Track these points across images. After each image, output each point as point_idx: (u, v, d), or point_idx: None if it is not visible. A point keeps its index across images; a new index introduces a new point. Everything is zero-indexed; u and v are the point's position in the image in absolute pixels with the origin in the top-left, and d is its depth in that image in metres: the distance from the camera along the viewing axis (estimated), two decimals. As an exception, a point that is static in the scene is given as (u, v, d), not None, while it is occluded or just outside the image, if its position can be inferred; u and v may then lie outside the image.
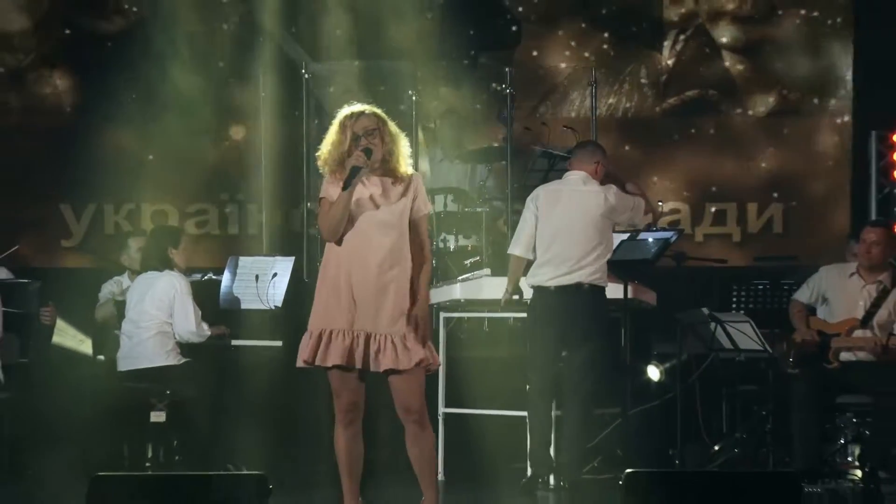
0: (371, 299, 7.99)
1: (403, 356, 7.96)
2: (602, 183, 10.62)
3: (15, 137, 14.89)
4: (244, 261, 11.73)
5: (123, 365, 11.13)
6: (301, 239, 13.24)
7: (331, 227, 8.07)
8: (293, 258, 11.75)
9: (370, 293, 7.99)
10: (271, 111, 13.79)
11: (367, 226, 8.05)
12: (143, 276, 11.28)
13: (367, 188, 8.07)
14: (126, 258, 12.19)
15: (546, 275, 10.44)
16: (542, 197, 10.67)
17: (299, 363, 8.25)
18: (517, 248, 10.64)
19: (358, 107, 8.23)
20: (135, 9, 15.04)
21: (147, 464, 11.13)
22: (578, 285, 10.35)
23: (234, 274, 11.65)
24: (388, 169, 8.13)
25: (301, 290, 11.52)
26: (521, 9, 15.07)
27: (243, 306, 11.48)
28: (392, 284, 8.01)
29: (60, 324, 12.40)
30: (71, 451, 11.49)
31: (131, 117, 14.73)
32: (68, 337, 12.60)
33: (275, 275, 11.40)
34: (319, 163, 8.22)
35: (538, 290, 10.49)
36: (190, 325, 10.96)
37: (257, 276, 11.43)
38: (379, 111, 8.22)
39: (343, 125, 8.14)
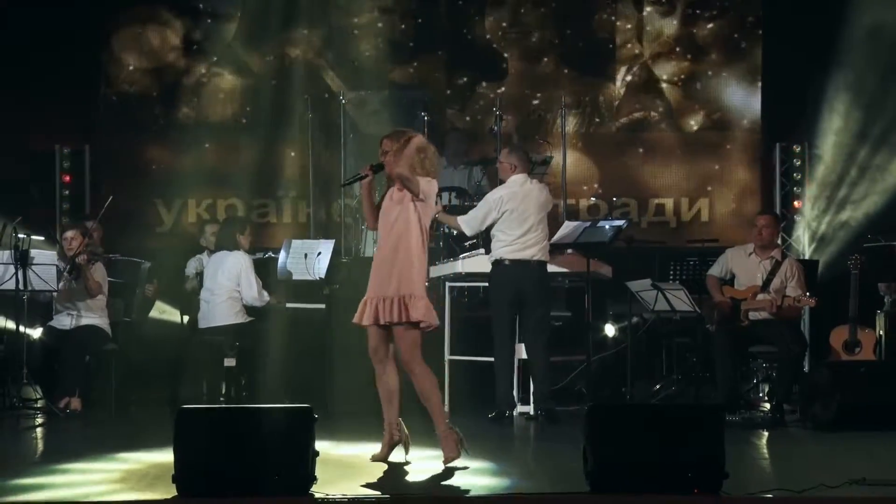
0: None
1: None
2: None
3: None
4: (295, 243, 11.68)
5: (202, 323, 11.11)
6: (339, 226, 13.22)
7: (366, 218, 8.53)
8: (333, 241, 11.69)
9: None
10: (317, 128, 13.74)
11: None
12: (217, 254, 11.26)
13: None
14: (204, 240, 12.16)
15: (505, 251, 10.41)
16: (506, 195, 10.61)
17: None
18: (468, 227, 10.69)
19: (387, 132, 8.53)
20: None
21: (221, 399, 11.09)
22: (526, 260, 10.35)
23: (287, 252, 11.59)
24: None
25: (339, 265, 11.48)
26: (507, 51, 15.00)
27: (294, 278, 11.43)
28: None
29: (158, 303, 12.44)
30: (162, 390, 11.45)
31: (213, 134, 14.69)
32: (162, 311, 12.65)
33: (319, 253, 11.34)
34: None
35: (495, 263, 10.48)
36: (253, 292, 10.94)
37: (306, 255, 11.38)
38: (396, 136, 8.34)
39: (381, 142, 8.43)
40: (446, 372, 11.02)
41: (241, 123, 14.78)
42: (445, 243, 12.34)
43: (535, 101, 14.95)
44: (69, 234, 11.15)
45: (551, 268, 10.71)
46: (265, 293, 11.06)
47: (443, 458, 8.17)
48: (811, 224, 14.28)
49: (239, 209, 14.67)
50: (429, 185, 8.27)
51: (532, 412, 10.46)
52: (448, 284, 11.27)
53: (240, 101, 14.94)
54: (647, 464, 6.79)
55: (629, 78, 14.94)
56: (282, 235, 13.18)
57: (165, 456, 7.35)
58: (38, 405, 11.08)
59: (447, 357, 11.07)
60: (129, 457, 8.42)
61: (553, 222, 10.96)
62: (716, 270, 11.08)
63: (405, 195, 8.23)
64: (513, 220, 10.39)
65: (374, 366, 8.45)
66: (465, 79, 14.98)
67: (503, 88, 14.84)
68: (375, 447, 8.55)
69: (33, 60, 13.58)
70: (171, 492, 6.80)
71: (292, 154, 14.63)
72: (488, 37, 15.03)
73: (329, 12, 14.76)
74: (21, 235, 10.73)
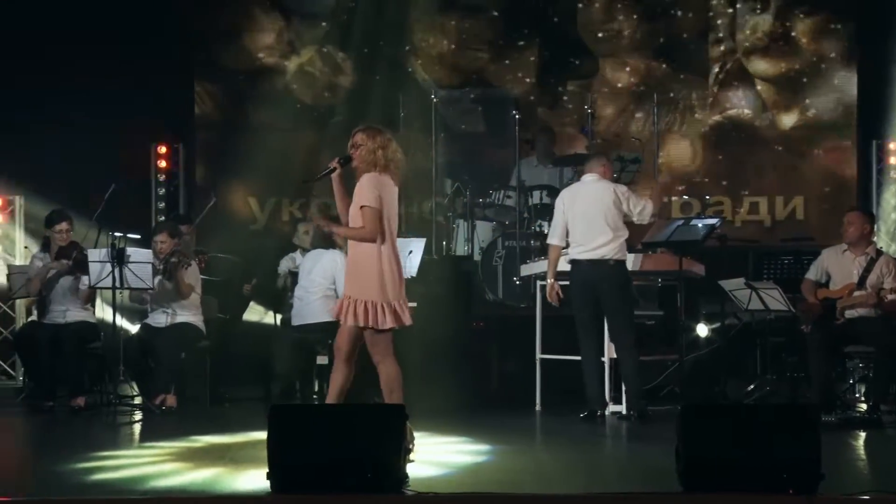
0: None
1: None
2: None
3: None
4: (387, 241, 11.69)
5: (296, 321, 11.17)
6: (430, 224, 13.26)
7: (340, 213, 8.45)
8: (424, 239, 11.71)
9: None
10: (409, 126, 13.76)
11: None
12: (311, 252, 11.31)
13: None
14: (296, 239, 12.24)
15: (577, 251, 10.36)
16: (567, 196, 10.60)
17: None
18: (553, 239, 10.56)
19: (359, 126, 8.43)
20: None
21: (314, 396, 11.16)
22: (603, 259, 10.26)
23: (379, 251, 11.61)
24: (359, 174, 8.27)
25: (430, 264, 11.50)
26: (600, 47, 14.95)
27: (387, 276, 11.44)
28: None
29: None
30: (256, 388, 11.54)
31: (305, 133, 14.79)
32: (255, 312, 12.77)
33: (410, 252, 11.34)
34: None
35: (573, 262, 10.40)
36: (346, 290, 10.95)
37: (398, 253, 11.39)
38: (368, 132, 8.29)
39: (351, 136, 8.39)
40: (538, 371, 11.01)
41: (333, 122, 14.84)
42: (537, 242, 12.37)
43: (627, 99, 14.89)
44: (158, 237, 11.27)
45: (644, 267, 10.66)
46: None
47: None
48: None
49: (332, 208, 14.72)
50: (382, 189, 8.20)
51: (624, 411, 10.42)
52: (539, 283, 11.25)
53: (332, 101, 15.02)
54: (740, 464, 6.73)
55: (722, 75, 14.83)
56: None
57: (259, 453, 7.40)
58: (135, 402, 11.22)
59: (538, 356, 11.05)
60: (223, 453, 8.50)
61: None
62: (812, 274, 10.96)
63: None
64: (579, 220, 10.36)
65: (337, 364, 8.36)
66: (556, 77, 14.95)
67: (595, 86, 14.79)
68: (465, 445, 8.55)
69: (129, 61, 13.73)
70: (265, 488, 6.85)
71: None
72: (580, 34, 14.98)
73: (420, 10, 14.78)
74: (117, 234, 10.85)
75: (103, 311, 11.76)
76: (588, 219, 10.32)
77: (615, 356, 10.48)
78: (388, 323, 8.21)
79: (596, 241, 10.26)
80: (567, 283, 10.66)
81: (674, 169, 14.66)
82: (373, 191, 8.15)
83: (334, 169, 8.32)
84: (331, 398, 8.25)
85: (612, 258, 10.27)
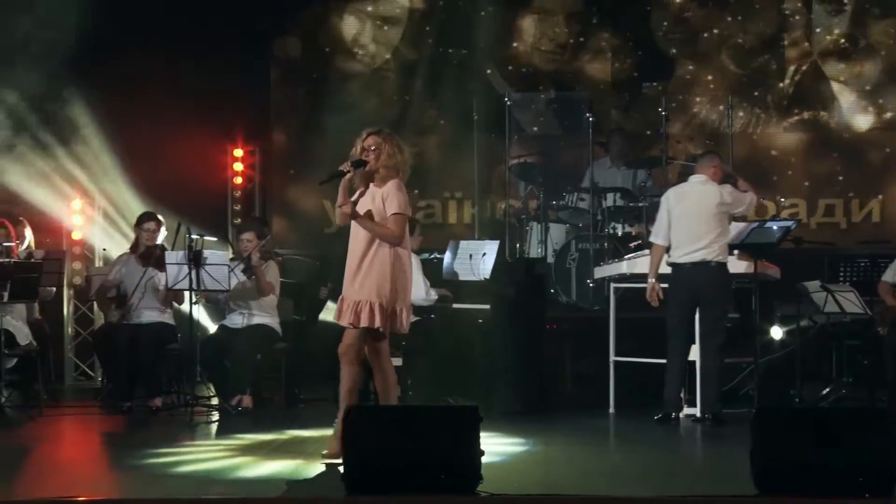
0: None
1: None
2: (720, 183, 10.51)
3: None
4: (461, 243, 11.73)
5: (370, 322, 11.18)
6: (503, 227, 13.27)
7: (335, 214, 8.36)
8: (498, 241, 11.71)
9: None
10: (482, 129, 13.78)
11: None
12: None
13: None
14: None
15: (678, 254, 10.33)
16: (672, 196, 10.58)
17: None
18: (657, 238, 10.54)
19: (370, 128, 8.32)
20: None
21: (388, 397, 11.20)
22: (705, 262, 10.23)
23: (453, 254, 11.66)
24: (378, 179, 8.22)
25: (505, 266, 11.50)
26: (674, 50, 14.90)
27: (460, 278, 11.49)
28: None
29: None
30: (331, 389, 11.59)
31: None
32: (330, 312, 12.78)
33: (484, 254, 11.37)
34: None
35: (674, 266, 10.38)
36: (421, 292, 10.96)
37: (471, 255, 11.42)
38: (383, 136, 8.25)
39: (361, 137, 8.28)
40: (611, 373, 11.00)
41: (407, 124, 14.87)
42: (610, 244, 12.36)
43: (699, 100, 14.83)
44: (245, 235, 11.40)
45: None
46: (433, 292, 11.11)
47: (325, 452, 8.19)
48: None
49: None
50: (404, 196, 8.24)
51: (698, 414, 10.38)
52: (612, 285, 11.24)
53: (405, 102, 15.05)
54: (815, 467, 6.69)
55: (798, 76, 14.73)
56: (447, 236, 13.24)
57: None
58: (211, 402, 11.33)
59: (612, 358, 11.04)
60: (299, 454, 8.57)
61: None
62: (889, 276, 10.91)
63: (380, 203, 8.19)
64: (682, 221, 10.35)
65: (343, 367, 8.36)
66: (630, 78, 14.91)
67: (669, 88, 14.74)
68: (538, 446, 8.56)
69: (206, 61, 13.83)
70: (340, 489, 6.90)
71: (458, 155, 14.68)
72: (654, 36, 14.94)
73: (492, 13, 14.78)
74: (195, 236, 10.97)
75: (199, 312, 11.92)
76: (691, 220, 10.33)
77: (696, 359, 10.45)
78: (405, 327, 8.34)
79: (697, 243, 10.27)
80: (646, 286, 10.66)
81: (748, 171, 14.56)
82: (403, 197, 8.19)
83: (346, 172, 8.23)
84: (344, 402, 8.25)
85: (713, 260, 10.26)
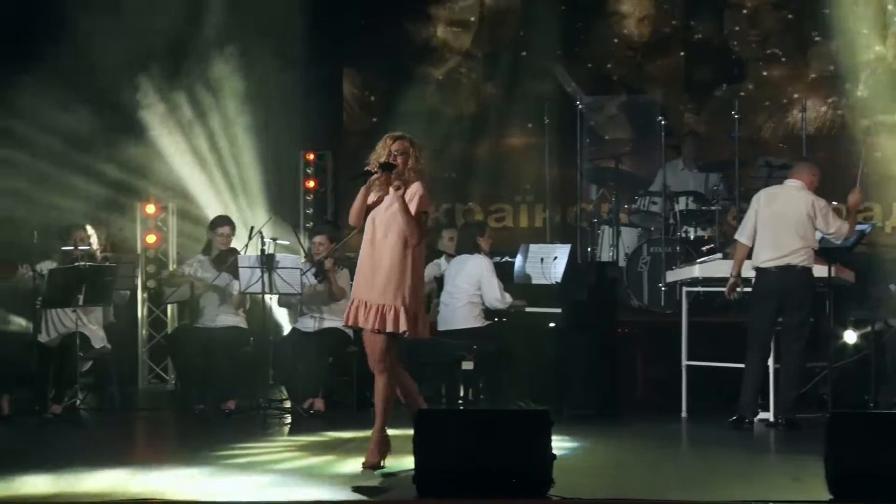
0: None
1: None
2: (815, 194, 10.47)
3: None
4: (532, 247, 11.74)
5: (441, 326, 11.21)
6: (575, 230, 13.25)
7: (351, 214, 8.33)
8: (570, 245, 11.71)
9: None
10: (553, 133, 13.77)
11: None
12: (457, 258, 11.36)
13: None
14: (441, 245, 12.32)
15: (764, 257, 10.28)
16: (763, 197, 10.52)
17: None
18: (742, 237, 10.49)
19: (395, 134, 8.34)
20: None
21: (459, 401, 11.22)
22: (790, 266, 10.18)
23: (525, 257, 11.66)
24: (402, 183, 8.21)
25: (577, 270, 11.48)
26: (746, 53, 14.83)
27: (532, 282, 11.49)
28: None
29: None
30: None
31: (452, 139, 14.84)
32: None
33: (555, 258, 11.37)
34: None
35: (760, 270, 10.33)
36: (496, 294, 10.98)
37: (542, 259, 11.42)
38: (409, 141, 8.28)
39: (385, 142, 8.29)
40: (683, 377, 10.95)
41: (478, 127, 14.89)
42: (682, 248, 12.32)
43: (769, 103, 14.73)
44: (318, 238, 11.47)
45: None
46: (507, 295, 11.11)
47: (364, 462, 8.19)
48: None
49: (476, 214, 14.84)
50: (428, 197, 8.30)
51: (772, 418, 10.31)
52: (685, 289, 11.19)
53: (477, 106, 15.08)
54: (890, 472, 6.64)
55: (872, 80, 14.59)
56: (518, 240, 13.24)
57: (406, 458, 7.48)
58: (284, 405, 11.39)
59: (685, 362, 10.99)
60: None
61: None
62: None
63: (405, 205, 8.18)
64: (770, 223, 10.30)
65: (377, 376, 8.33)
66: (703, 82, 14.84)
67: (743, 91, 14.66)
68: (610, 450, 8.53)
69: (279, 69, 13.88)
70: (410, 491, 6.92)
71: (529, 159, 14.69)
72: (726, 39, 14.86)
73: (565, 15, 14.77)
74: (267, 239, 11.04)
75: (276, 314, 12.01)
76: (778, 224, 10.28)
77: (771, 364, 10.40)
78: (426, 331, 8.41)
79: (783, 248, 10.22)
80: (720, 289, 10.60)
81: (822, 175, 14.43)
82: (427, 198, 8.25)
83: (374, 173, 8.25)
84: (380, 415, 8.29)
85: (799, 264, 10.21)
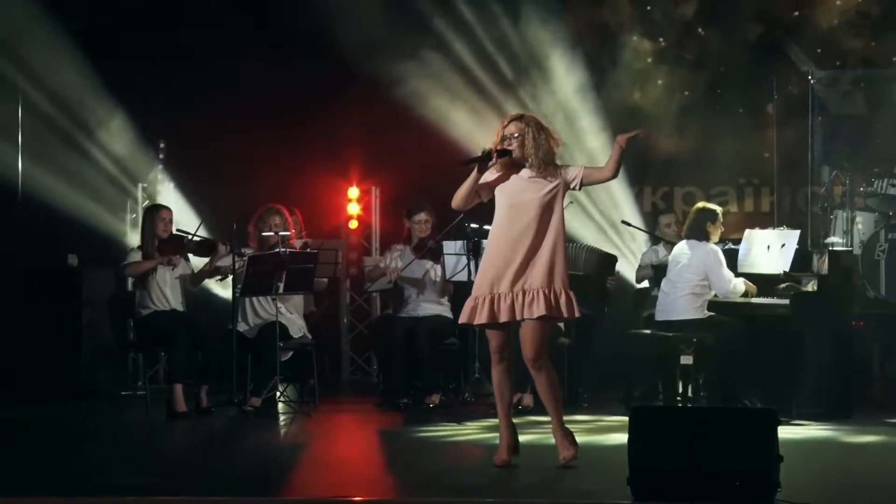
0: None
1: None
2: None
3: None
4: (758, 233, 11.47)
5: (659, 316, 11.05)
6: (805, 215, 12.96)
7: (457, 198, 8.17)
8: (798, 231, 11.41)
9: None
10: (782, 110, 13.47)
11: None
12: (682, 243, 11.14)
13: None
14: (658, 231, 12.17)
15: None
16: None
17: None
18: None
19: (512, 114, 8.22)
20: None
21: (678, 398, 11.03)
22: None
23: (749, 244, 11.40)
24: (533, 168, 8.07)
25: (806, 258, 11.18)
26: None
27: (758, 271, 11.22)
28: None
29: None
30: (617, 387, 11.50)
31: (670, 120, 14.60)
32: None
33: (783, 245, 11.08)
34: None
35: None
36: (725, 284, 10.76)
37: (768, 246, 11.16)
38: (526, 120, 8.10)
39: (502, 123, 8.17)
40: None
41: (700, 106, 14.61)
42: None
43: None
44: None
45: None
46: (740, 284, 10.85)
47: (563, 457, 8.08)
48: None
49: (697, 198, 14.57)
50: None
51: None
52: None
53: (696, 84, 14.79)
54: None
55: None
56: (743, 225, 12.97)
57: (619, 455, 7.35)
58: (489, 400, 11.32)
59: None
60: (581, 455, 8.47)
61: None
62: None
63: (553, 188, 8.04)
64: None
65: (499, 366, 8.27)
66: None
67: None
68: (839, 454, 8.31)
69: (325, 101, 13.83)
70: (625, 495, 6.81)
71: (755, 138, 14.38)
72: None
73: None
74: (473, 225, 10.97)
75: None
76: None
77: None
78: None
79: None
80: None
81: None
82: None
83: (492, 161, 8.09)
84: (503, 413, 8.26)
85: None
